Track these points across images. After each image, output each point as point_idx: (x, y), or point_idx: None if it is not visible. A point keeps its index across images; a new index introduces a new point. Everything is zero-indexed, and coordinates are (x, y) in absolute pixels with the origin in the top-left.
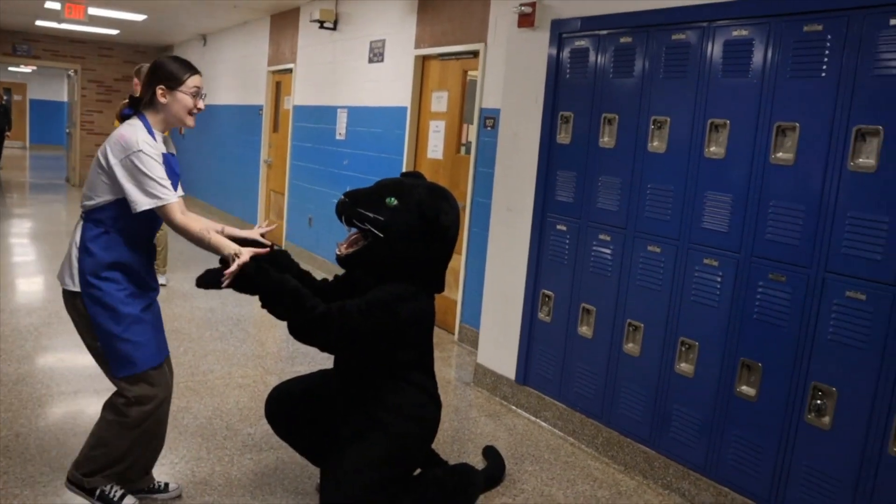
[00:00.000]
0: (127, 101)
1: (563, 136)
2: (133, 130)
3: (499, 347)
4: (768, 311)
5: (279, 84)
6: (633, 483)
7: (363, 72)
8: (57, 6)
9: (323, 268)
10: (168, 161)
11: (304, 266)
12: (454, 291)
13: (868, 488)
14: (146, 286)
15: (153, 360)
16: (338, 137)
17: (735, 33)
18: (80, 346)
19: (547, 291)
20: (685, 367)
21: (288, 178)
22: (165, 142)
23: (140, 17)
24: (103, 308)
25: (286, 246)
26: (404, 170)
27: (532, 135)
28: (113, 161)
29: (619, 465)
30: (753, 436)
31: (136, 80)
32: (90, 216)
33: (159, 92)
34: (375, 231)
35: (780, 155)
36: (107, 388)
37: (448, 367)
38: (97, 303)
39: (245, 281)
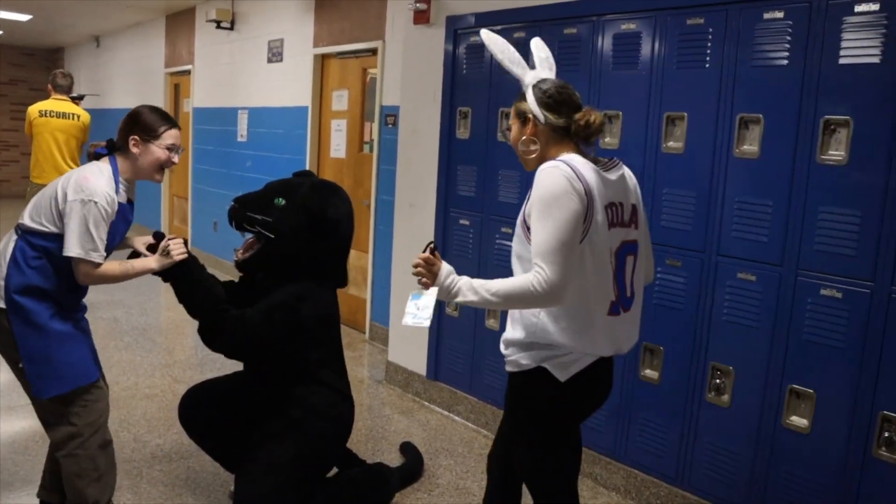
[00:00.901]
0: (105, 142)
1: (463, 132)
2: (97, 177)
3: (409, 344)
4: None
5: (177, 86)
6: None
7: (263, 72)
8: None
9: (231, 272)
10: (122, 210)
11: (210, 270)
12: (363, 290)
13: (763, 465)
14: (73, 308)
15: (85, 377)
16: (239, 139)
17: (623, 27)
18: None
19: None
20: (650, 374)
21: (190, 182)
22: (129, 189)
23: (24, 18)
24: (29, 325)
25: (192, 252)
26: (307, 169)
27: (432, 131)
28: (70, 199)
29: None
30: (659, 417)
31: (49, 87)
32: (29, 238)
33: (132, 142)
34: (266, 233)
35: (670, 144)
36: (3, 406)
37: (360, 365)
38: (23, 320)
39: (180, 269)
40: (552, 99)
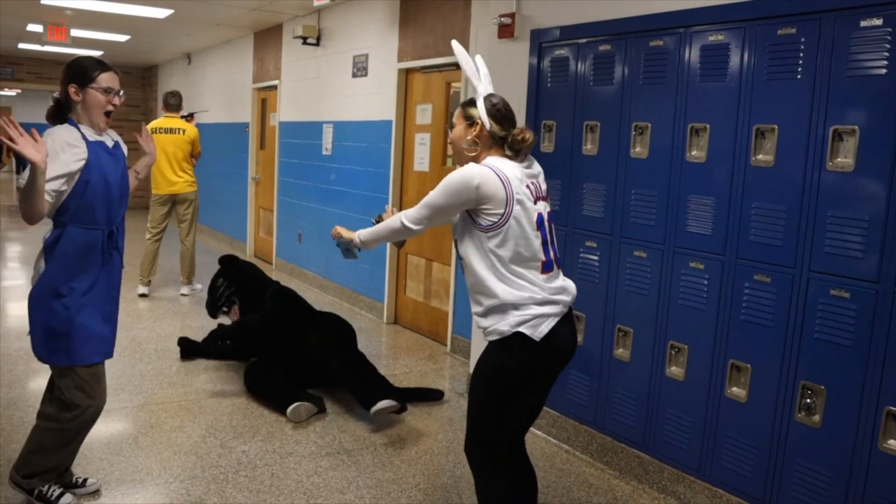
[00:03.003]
0: (52, 104)
1: (547, 145)
2: (54, 131)
3: None
4: (755, 312)
5: (264, 101)
6: (628, 488)
7: (347, 86)
8: (39, 29)
9: (314, 283)
10: (97, 146)
11: (294, 281)
12: (445, 302)
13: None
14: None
15: (89, 356)
16: (324, 153)
17: (711, 38)
18: None
19: None
20: (676, 371)
21: (276, 195)
22: (101, 134)
23: (123, 38)
24: (45, 282)
25: (276, 262)
26: (391, 184)
27: None
28: None
29: (613, 471)
30: (745, 437)
31: (162, 106)
32: (54, 220)
33: (71, 90)
34: (234, 300)
35: (760, 157)
36: (117, 408)
37: (441, 378)
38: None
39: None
40: (500, 113)
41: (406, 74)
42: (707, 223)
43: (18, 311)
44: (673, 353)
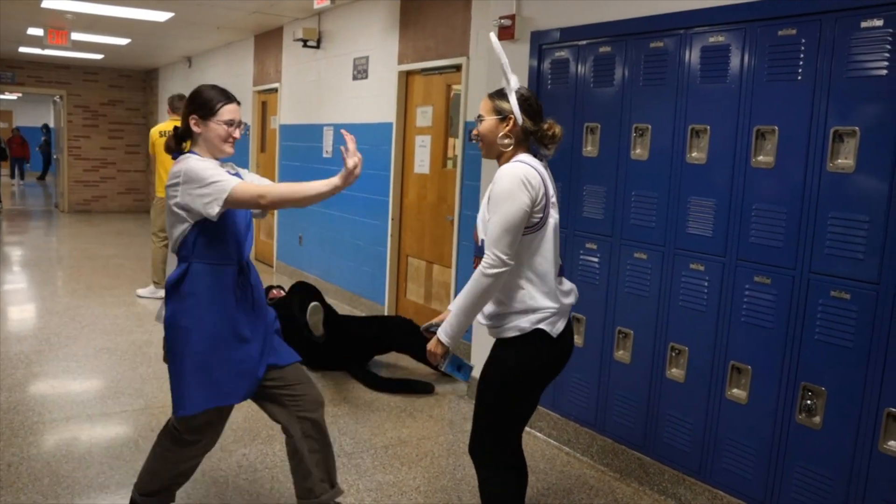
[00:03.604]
0: (171, 135)
1: None
2: (181, 162)
3: None
4: (755, 313)
5: (265, 104)
6: (629, 490)
7: (348, 89)
8: (39, 32)
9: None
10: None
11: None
12: (445, 305)
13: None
14: (233, 331)
15: (198, 405)
16: (325, 155)
17: (712, 39)
18: (72, 372)
19: None
20: (676, 373)
21: None
22: (225, 167)
23: (124, 41)
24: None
25: (277, 265)
26: (391, 186)
27: None
28: (170, 184)
29: (614, 473)
30: (745, 438)
31: (168, 109)
32: (178, 254)
33: (192, 122)
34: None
35: (760, 158)
36: (99, 413)
37: (441, 380)
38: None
39: None
40: (531, 108)
41: (406, 77)
42: (707, 225)
43: (18, 314)
44: (673, 354)
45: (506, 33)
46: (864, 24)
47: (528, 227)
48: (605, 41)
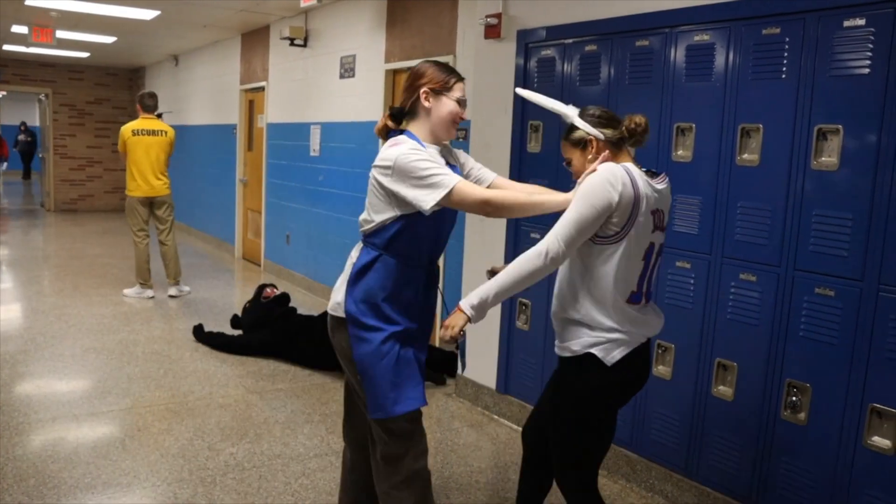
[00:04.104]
0: (389, 116)
1: (534, 145)
2: (396, 147)
3: (478, 357)
4: (741, 310)
5: (252, 102)
6: (616, 487)
7: (335, 87)
8: (24, 30)
9: (302, 284)
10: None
11: (282, 283)
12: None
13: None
14: (411, 320)
15: (408, 404)
16: (312, 154)
17: (697, 38)
18: (58, 372)
19: (524, 300)
20: (663, 370)
21: (264, 196)
22: (443, 153)
23: (110, 40)
24: (362, 340)
25: (264, 264)
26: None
27: (503, 144)
28: (381, 179)
29: (602, 470)
30: (732, 435)
31: (138, 107)
32: (367, 240)
33: (423, 95)
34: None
35: (745, 156)
36: (86, 413)
37: (428, 378)
38: (356, 336)
39: None
40: (602, 119)
41: (393, 75)
42: (693, 222)
43: (3, 314)
44: (660, 352)
45: (492, 31)
46: (846, 23)
47: (602, 236)
48: (590, 39)
